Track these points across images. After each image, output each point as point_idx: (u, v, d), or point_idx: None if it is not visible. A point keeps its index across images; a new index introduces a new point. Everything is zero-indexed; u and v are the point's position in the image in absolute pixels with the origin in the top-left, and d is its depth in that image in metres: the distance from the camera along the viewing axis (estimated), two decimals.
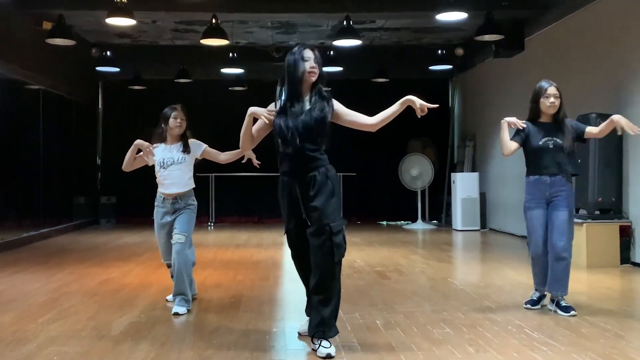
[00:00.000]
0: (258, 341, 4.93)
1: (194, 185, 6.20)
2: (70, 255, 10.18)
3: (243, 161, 6.09)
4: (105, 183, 16.55)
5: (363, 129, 4.83)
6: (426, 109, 4.67)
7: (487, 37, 11.10)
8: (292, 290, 6.91)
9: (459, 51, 14.05)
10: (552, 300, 5.92)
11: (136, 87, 15.91)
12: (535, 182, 5.97)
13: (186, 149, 6.11)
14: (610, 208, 8.93)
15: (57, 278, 7.91)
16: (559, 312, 5.77)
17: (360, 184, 16.18)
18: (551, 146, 5.89)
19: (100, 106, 16.78)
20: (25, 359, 4.48)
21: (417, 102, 4.65)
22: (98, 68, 14.72)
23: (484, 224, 14.36)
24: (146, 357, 4.52)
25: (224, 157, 6.13)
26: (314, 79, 4.72)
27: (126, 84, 15.93)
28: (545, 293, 6.07)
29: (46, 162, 12.84)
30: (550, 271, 5.88)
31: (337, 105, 4.79)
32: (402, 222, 16.09)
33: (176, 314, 5.81)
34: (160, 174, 6.09)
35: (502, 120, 6.05)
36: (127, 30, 13.08)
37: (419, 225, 15.28)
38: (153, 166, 6.19)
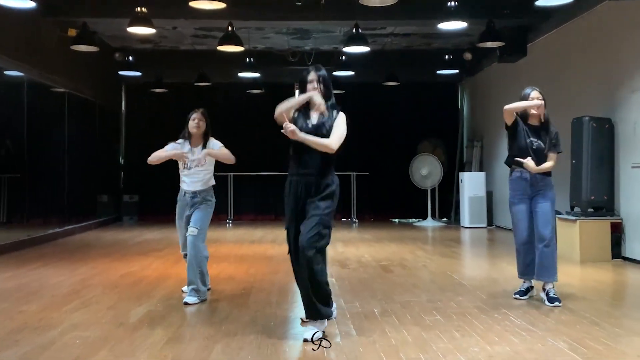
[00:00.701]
0: (263, 327, 5.21)
1: (214, 183, 6.53)
2: (93, 251, 10.43)
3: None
4: (128, 182, 16.89)
5: None
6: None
7: (489, 44, 11.35)
8: None
9: (467, 56, 14.17)
10: (544, 289, 6.17)
11: (157, 90, 16.19)
12: (517, 180, 6.31)
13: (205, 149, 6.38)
14: (603, 206, 9.19)
15: (80, 272, 8.19)
16: (546, 302, 6.04)
17: (373, 183, 16.52)
18: (534, 147, 6.24)
19: (123, 108, 17.16)
20: (50, 342, 4.76)
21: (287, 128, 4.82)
22: (121, 72, 15.09)
23: (490, 221, 14.59)
24: (160, 341, 4.81)
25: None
26: None
27: (148, 87, 16.23)
28: (533, 285, 6.38)
29: (71, 162, 13.17)
30: (538, 260, 6.14)
31: (337, 121, 4.98)
32: (413, 219, 16.34)
33: (185, 303, 6.10)
34: (183, 173, 6.43)
35: (536, 101, 6.27)
36: (149, 36, 13.27)
37: (429, 222, 15.50)
38: (175, 163, 6.48)
